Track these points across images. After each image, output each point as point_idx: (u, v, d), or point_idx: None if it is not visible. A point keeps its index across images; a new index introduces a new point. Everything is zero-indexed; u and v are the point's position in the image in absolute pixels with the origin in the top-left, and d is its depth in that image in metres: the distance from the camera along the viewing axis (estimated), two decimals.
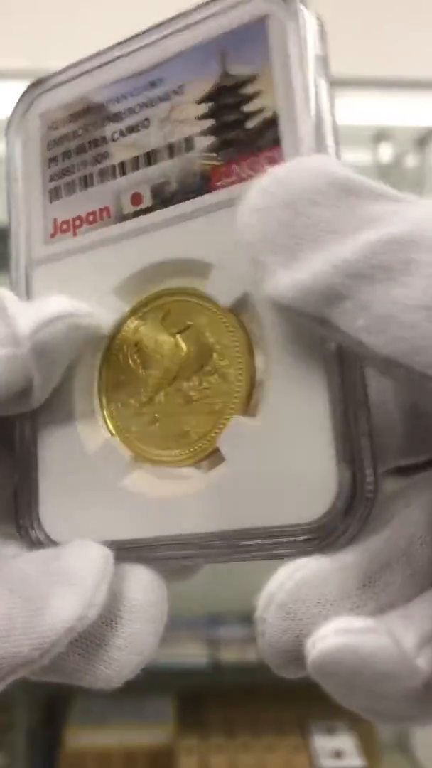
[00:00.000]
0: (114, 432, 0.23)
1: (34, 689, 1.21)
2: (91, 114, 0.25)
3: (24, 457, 0.23)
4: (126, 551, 0.21)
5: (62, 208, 0.25)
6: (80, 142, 0.25)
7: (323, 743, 1.19)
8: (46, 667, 0.19)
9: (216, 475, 0.21)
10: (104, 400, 0.23)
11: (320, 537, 0.19)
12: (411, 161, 1.38)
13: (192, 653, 1.23)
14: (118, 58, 0.25)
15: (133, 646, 0.21)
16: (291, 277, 0.17)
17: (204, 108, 0.23)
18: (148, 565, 0.22)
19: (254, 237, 0.18)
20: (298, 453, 0.20)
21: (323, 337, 0.19)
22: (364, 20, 1.16)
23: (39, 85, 0.26)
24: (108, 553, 0.20)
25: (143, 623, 0.21)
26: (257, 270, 0.18)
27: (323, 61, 0.22)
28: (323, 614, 0.18)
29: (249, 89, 0.22)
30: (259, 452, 0.21)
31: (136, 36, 0.24)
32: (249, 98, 0.22)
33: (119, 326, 0.23)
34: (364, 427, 0.19)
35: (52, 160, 0.25)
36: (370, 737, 1.20)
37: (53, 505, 0.23)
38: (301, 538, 0.19)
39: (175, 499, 0.22)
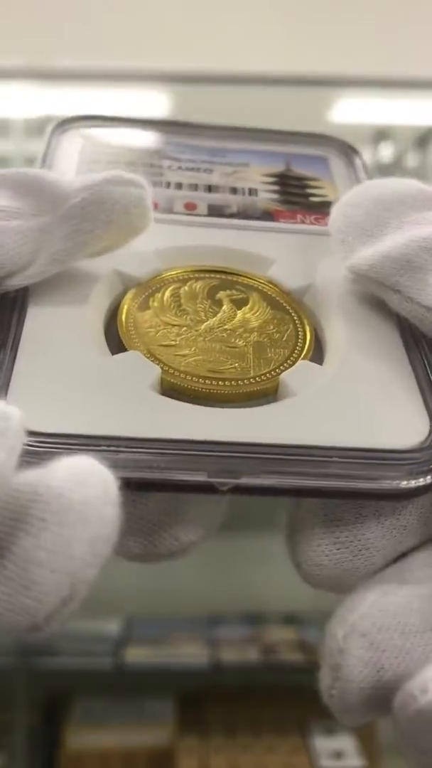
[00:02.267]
0: (135, 347, 0.20)
1: (34, 689, 1.21)
2: (145, 151, 0.27)
3: (3, 333, 0.19)
4: (132, 453, 0.16)
5: None
6: (131, 160, 0.26)
7: (323, 744, 1.19)
8: None
9: (278, 405, 0.19)
10: (126, 323, 0.21)
11: (420, 464, 0.17)
12: (411, 161, 1.38)
13: (192, 653, 1.23)
14: (178, 131, 0.28)
15: (58, 560, 0.14)
16: (373, 250, 0.20)
17: (269, 179, 0.26)
18: (158, 482, 0.16)
19: (344, 223, 0.21)
20: (380, 392, 0.19)
21: (393, 309, 0.20)
22: (364, 20, 1.15)
23: (84, 119, 0.28)
24: (14, 413, 0.15)
25: (73, 527, 0.14)
26: (342, 249, 0.21)
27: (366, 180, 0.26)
28: (406, 647, 0.16)
29: (312, 182, 0.27)
30: (337, 390, 0.19)
31: (199, 123, 0.28)
32: (312, 186, 0.27)
33: (157, 278, 0.22)
34: None
35: (94, 161, 0.26)
36: (370, 738, 1.20)
37: (28, 389, 0.18)
38: (401, 463, 0.17)
39: (220, 413, 0.18)
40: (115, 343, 0.20)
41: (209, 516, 0.18)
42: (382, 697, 0.16)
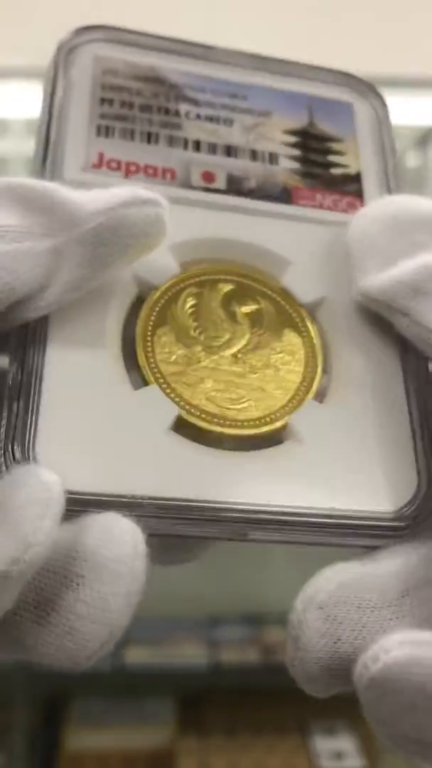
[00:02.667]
0: (154, 380, 0.20)
1: (34, 689, 1.21)
2: (161, 85, 0.25)
3: (25, 376, 0.19)
4: (152, 510, 0.18)
5: (113, 147, 0.23)
6: (146, 102, 0.24)
7: (323, 744, 1.19)
8: (1, 637, 0.17)
9: (283, 453, 0.20)
10: (145, 350, 0.21)
11: (399, 527, 0.19)
12: (411, 161, 1.38)
13: (192, 654, 1.23)
14: (198, 57, 0.25)
15: (98, 613, 0.16)
16: (385, 274, 0.20)
17: (291, 138, 0.25)
18: (179, 534, 0.19)
19: (360, 236, 0.22)
20: (378, 444, 0.21)
21: (401, 332, 0.21)
22: (364, 20, 1.15)
23: (101, 30, 0.25)
24: (55, 481, 0.16)
25: (110, 584, 0.16)
26: (354, 264, 0.21)
27: (393, 141, 0.26)
28: (363, 620, 0.17)
29: (334, 145, 0.25)
30: (337, 438, 0.21)
31: (223, 50, 0.26)
32: (334, 152, 0.25)
33: (173, 283, 0.22)
34: None
35: (106, 101, 0.24)
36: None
37: (56, 442, 0.19)
38: (381, 525, 0.19)
39: (233, 465, 0.20)
40: (135, 369, 0.21)
41: None
42: (342, 668, 0.17)
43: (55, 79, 0.24)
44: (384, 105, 0.26)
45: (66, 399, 0.19)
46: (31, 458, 0.18)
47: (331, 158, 0.25)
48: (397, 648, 0.16)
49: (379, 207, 0.22)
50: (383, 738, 0.17)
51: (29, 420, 0.19)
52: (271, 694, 1.22)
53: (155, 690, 1.25)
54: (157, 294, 0.22)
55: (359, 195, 0.25)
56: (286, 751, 1.17)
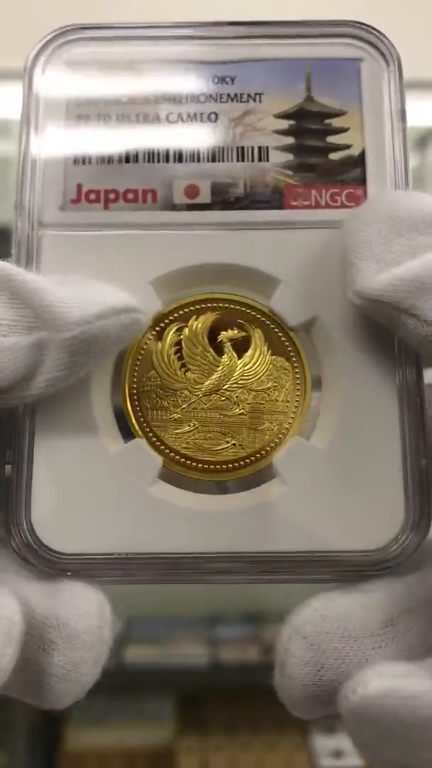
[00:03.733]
0: (142, 433, 0.21)
1: None
2: (140, 84, 0.23)
3: (17, 448, 0.21)
4: (139, 565, 0.20)
5: (91, 175, 0.22)
6: (123, 111, 0.22)
7: (323, 742, 1.19)
8: None
9: (270, 493, 0.20)
10: (131, 399, 0.21)
11: (383, 564, 0.20)
12: (411, 161, 1.38)
13: (192, 653, 1.23)
14: (178, 38, 0.23)
15: (71, 675, 0.19)
16: (387, 273, 0.19)
17: (283, 124, 0.22)
18: (170, 582, 0.20)
19: (353, 242, 0.20)
20: (365, 481, 0.20)
21: (406, 337, 0.19)
22: (364, 20, 1.15)
23: (71, 32, 0.23)
24: (13, 613, 0.18)
25: (81, 652, 0.19)
26: (349, 272, 0.20)
27: (404, 107, 0.23)
28: (346, 650, 0.18)
29: (335, 122, 0.22)
30: (322, 476, 0.20)
31: (207, 25, 0.23)
32: (335, 131, 0.22)
33: (155, 323, 0.22)
34: (428, 460, 0.20)
35: (82, 117, 0.22)
36: None
37: (50, 507, 0.20)
38: (363, 563, 0.20)
39: (217, 513, 0.20)
40: (123, 418, 0.21)
41: None
42: (326, 694, 0.18)
43: (28, 100, 0.22)
44: (396, 58, 0.23)
45: (55, 463, 0.21)
46: (27, 528, 0.20)
47: (331, 139, 0.22)
48: (376, 680, 0.16)
49: (372, 207, 0.21)
50: (372, 762, 0.17)
51: (21, 487, 0.20)
52: (271, 693, 1.21)
53: (155, 688, 1.25)
54: (140, 337, 0.21)
55: (362, 181, 0.22)
56: (285, 750, 1.17)
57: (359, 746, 0.17)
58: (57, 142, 0.22)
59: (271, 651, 1.23)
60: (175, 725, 1.22)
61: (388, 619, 0.19)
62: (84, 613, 0.19)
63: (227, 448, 0.21)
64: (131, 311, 0.20)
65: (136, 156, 0.22)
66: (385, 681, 0.16)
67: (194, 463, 0.21)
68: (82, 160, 0.22)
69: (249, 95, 0.22)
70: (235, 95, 0.22)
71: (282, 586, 0.20)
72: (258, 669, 1.22)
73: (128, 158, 0.22)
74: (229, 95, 0.22)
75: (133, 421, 0.21)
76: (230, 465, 0.21)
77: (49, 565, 0.20)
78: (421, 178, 1.35)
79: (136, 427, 0.21)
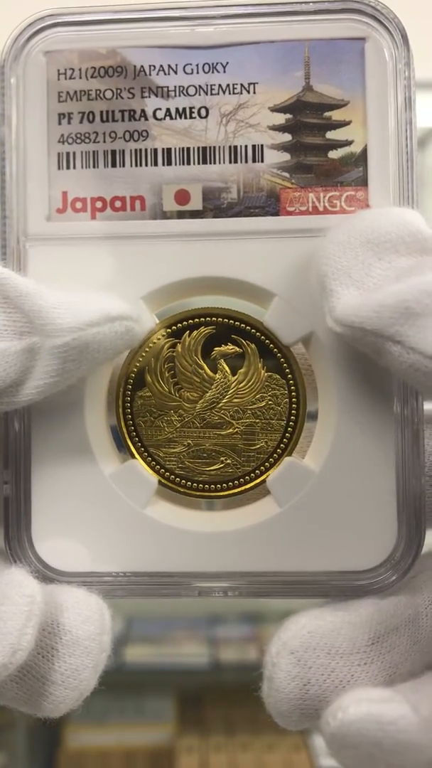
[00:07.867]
0: (137, 454, 0.21)
1: None
2: (124, 76, 0.21)
3: (15, 468, 0.21)
4: (135, 583, 0.20)
5: (77, 181, 0.21)
6: (108, 107, 0.21)
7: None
8: None
9: (262, 514, 0.21)
10: (125, 418, 0.21)
11: (375, 584, 0.20)
12: None
13: (192, 653, 1.23)
14: (167, 19, 0.21)
15: (71, 682, 0.19)
16: (368, 298, 0.18)
17: (280, 118, 0.21)
18: (164, 597, 0.21)
19: (330, 267, 0.19)
20: (358, 501, 0.20)
21: (390, 365, 0.18)
22: None
23: (50, 19, 0.21)
24: (34, 592, 0.18)
25: (81, 658, 0.19)
26: (327, 299, 0.19)
27: (414, 96, 0.20)
28: (332, 666, 0.19)
29: (336, 115, 0.20)
30: (316, 497, 0.20)
31: (194, 6, 0.21)
32: (335, 125, 0.21)
33: (147, 339, 0.21)
34: (423, 481, 0.20)
35: (64, 116, 0.21)
36: None
37: (49, 527, 0.21)
38: (355, 584, 0.20)
39: (210, 533, 0.21)
40: (118, 440, 0.22)
41: None
42: (312, 707, 0.19)
43: (3, 97, 0.21)
44: (403, 36, 0.21)
45: (53, 482, 0.21)
46: (29, 547, 0.21)
47: (331, 135, 0.21)
48: (355, 705, 0.17)
49: (348, 231, 0.19)
50: None
51: (21, 505, 0.21)
52: None
53: (155, 688, 1.25)
54: (131, 355, 0.21)
55: (363, 183, 0.21)
56: (285, 749, 1.17)
57: (340, 763, 0.18)
58: (38, 145, 0.21)
59: None
60: (175, 724, 1.22)
61: (375, 637, 0.19)
62: (85, 620, 0.19)
63: (221, 468, 0.21)
64: (125, 319, 0.20)
65: (123, 157, 0.21)
66: (364, 706, 0.17)
67: (188, 483, 0.21)
68: (66, 163, 0.21)
69: (242, 85, 0.21)
70: (227, 86, 0.21)
71: None
72: (258, 669, 1.22)
73: (114, 160, 0.21)
74: (220, 86, 0.21)
75: (128, 441, 0.21)
76: (224, 485, 0.21)
77: (49, 582, 0.21)
78: (421, 178, 1.35)
79: (132, 448, 0.21)
